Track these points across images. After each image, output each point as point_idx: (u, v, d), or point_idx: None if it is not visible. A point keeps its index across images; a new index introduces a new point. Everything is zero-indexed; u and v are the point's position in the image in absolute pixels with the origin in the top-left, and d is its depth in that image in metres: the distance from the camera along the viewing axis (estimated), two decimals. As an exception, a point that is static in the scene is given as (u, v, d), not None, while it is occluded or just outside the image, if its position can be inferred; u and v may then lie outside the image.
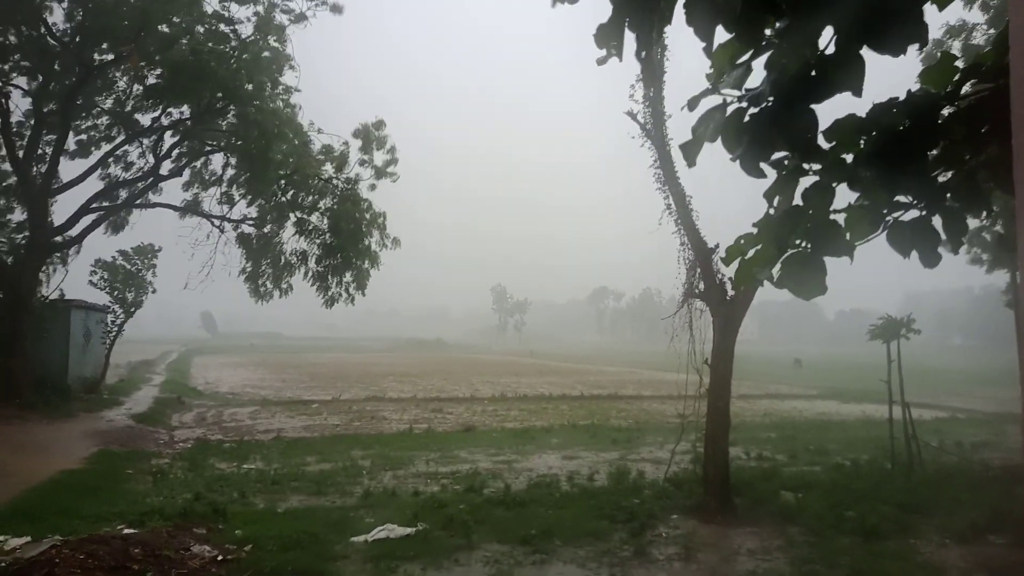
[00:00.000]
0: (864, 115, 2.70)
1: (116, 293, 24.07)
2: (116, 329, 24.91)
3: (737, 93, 2.66)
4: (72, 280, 22.39)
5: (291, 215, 21.91)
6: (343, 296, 22.02)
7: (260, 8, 19.28)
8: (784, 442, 15.58)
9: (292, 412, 21.72)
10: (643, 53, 2.71)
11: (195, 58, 17.79)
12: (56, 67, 19.12)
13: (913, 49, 2.33)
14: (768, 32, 2.51)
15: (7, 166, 20.21)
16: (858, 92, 2.41)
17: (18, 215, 21.38)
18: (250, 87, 18.92)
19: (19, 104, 19.75)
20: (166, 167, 21.83)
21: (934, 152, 2.72)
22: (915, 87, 2.77)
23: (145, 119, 20.97)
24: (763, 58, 2.59)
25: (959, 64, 2.82)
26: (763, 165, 2.71)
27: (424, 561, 7.22)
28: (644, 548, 7.74)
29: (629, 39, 2.65)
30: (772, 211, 2.93)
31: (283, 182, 21.10)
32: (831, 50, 2.39)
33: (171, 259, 24.05)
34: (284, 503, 9.83)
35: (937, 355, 60.34)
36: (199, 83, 18.16)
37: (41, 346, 20.01)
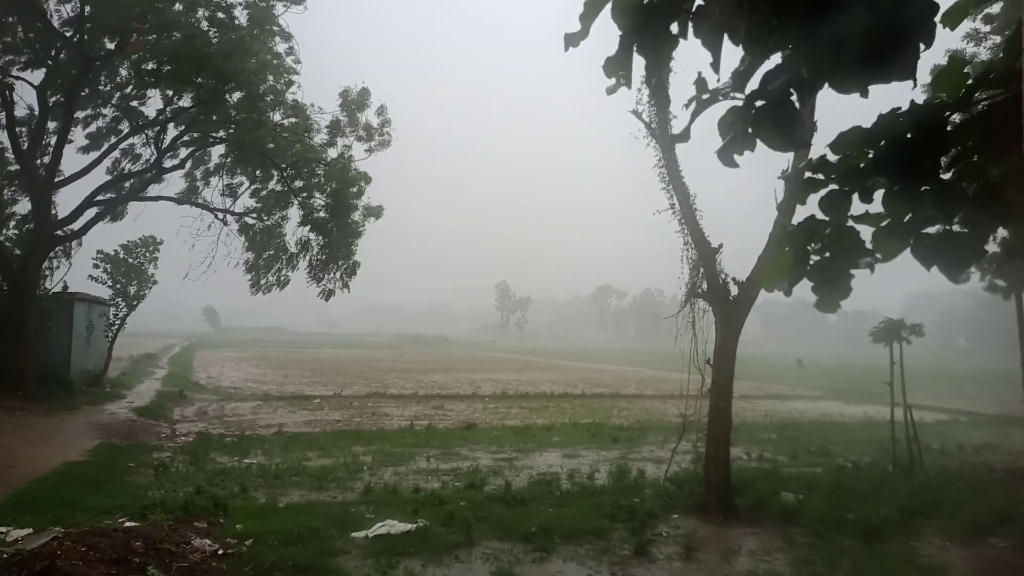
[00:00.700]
0: (869, 127, 2.67)
1: (118, 286, 24.13)
2: (119, 322, 24.97)
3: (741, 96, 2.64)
4: (72, 274, 22.44)
5: (293, 200, 22.00)
6: (338, 284, 22.17)
7: None
8: (785, 443, 15.57)
9: (293, 407, 21.76)
10: (653, 81, 2.71)
11: (192, 43, 17.80)
12: (61, 58, 19.14)
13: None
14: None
15: (11, 155, 20.22)
16: (864, 93, 2.39)
17: (21, 208, 21.46)
18: (252, 70, 18.93)
19: (24, 96, 19.82)
20: (169, 159, 21.92)
21: (946, 160, 2.68)
22: (919, 95, 2.74)
23: (149, 110, 21.07)
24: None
25: (968, 71, 2.79)
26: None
27: (424, 557, 7.23)
28: (644, 547, 7.73)
29: (638, 62, 2.65)
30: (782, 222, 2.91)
31: (285, 166, 21.19)
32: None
33: (172, 252, 24.15)
34: (285, 498, 9.85)
35: (940, 356, 60.23)
36: (197, 69, 18.18)
37: (44, 339, 20.08)
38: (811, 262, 2.80)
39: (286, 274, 22.82)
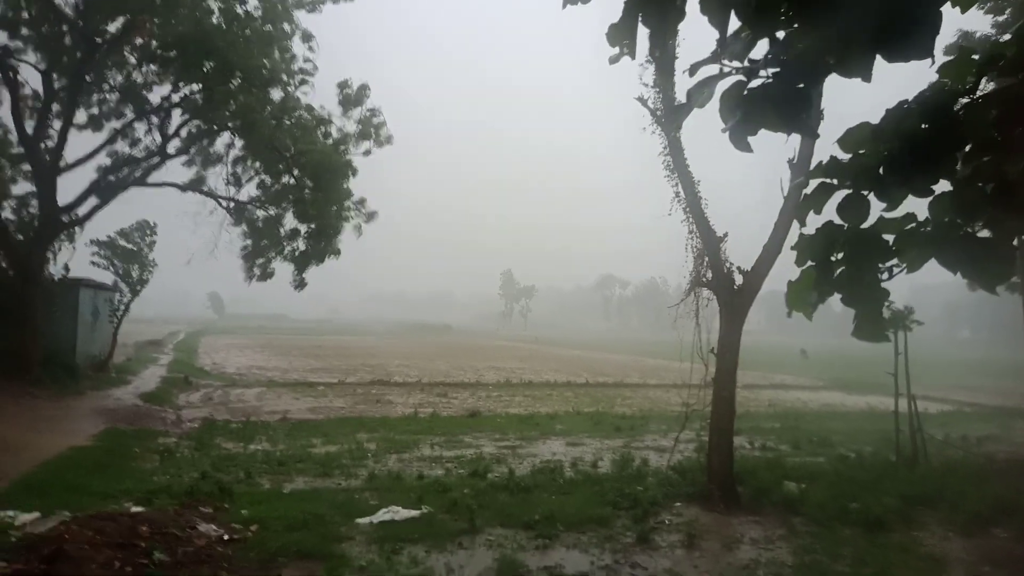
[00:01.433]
0: (878, 122, 2.62)
1: (119, 271, 24.16)
2: (123, 308, 25.02)
3: (738, 65, 2.56)
4: (73, 260, 22.45)
5: (291, 197, 21.95)
6: (316, 262, 22.04)
7: None
8: (788, 432, 15.57)
9: (298, 394, 21.85)
10: (657, 53, 2.67)
11: (200, 27, 17.71)
12: (66, 41, 19.06)
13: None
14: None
15: (14, 137, 20.19)
16: (867, 78, 2.32)
17: (24, 196, 21.42)
18: (264, 64, 18.85)
19: (29, 79, 19.72)
20: (173, 146, 21.86)
21: (960, 156, 2.60)
22: (918, 87, 2.68)
23: (154, 97, 20.99)
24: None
25: (975, 57, 2.73)
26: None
27: (428, 544, 7.27)
28: (647, 535, 7.76)
29: (642, 34, 2.59)
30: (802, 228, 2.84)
31: (291, 163, 21.10)
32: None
33: (175, 239, 24.17)
34: (290, 484, 9.91)
35: (944, 347, 60.13)
36: (205, 56, 18.08)
37: (50, 324, 20.11)
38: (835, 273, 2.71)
39: (272, 268, 22.82)
